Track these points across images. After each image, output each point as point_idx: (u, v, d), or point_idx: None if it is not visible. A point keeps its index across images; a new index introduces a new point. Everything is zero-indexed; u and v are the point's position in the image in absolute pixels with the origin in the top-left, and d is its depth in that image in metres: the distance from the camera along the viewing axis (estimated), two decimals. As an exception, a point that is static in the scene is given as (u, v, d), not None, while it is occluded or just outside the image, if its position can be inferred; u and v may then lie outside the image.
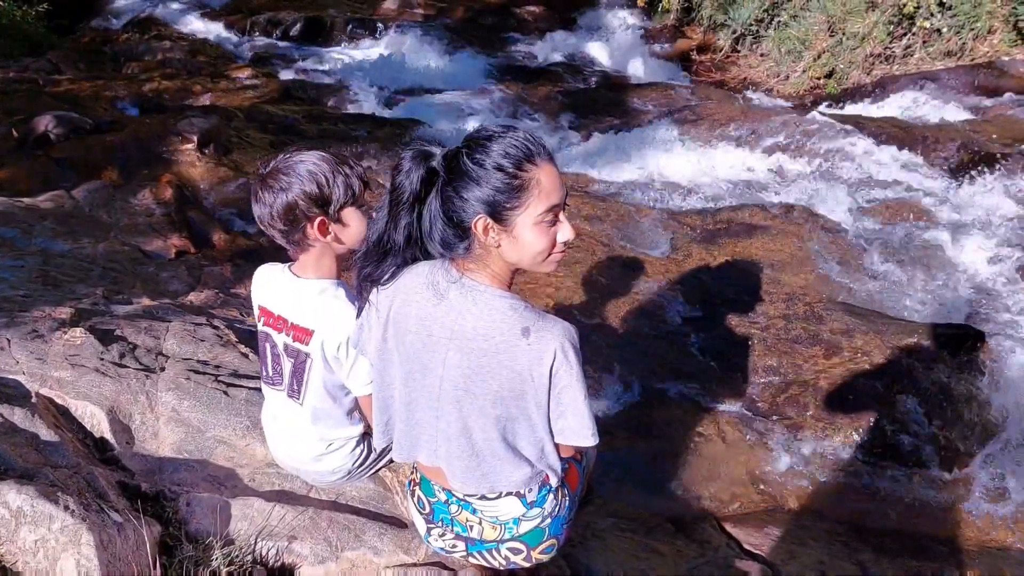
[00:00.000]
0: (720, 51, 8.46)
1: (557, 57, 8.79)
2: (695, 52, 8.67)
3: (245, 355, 2.65)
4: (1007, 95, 6.15)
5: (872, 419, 3.12)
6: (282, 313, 1.94)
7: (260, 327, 2.00)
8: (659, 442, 3.12)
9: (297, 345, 1.92)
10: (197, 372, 2.47)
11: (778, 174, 5.19)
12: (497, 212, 1.53)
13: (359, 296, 1.71)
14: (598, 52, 8.97)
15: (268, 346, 1.99)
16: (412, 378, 1.68)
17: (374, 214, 1.67)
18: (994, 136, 5.38)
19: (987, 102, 6.09)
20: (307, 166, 1.81)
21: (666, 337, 3.62)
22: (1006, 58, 6.83)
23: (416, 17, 9.55)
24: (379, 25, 9.08)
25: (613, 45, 9.06)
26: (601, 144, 5.97)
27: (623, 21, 9.65)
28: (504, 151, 1.52)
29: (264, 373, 2.04)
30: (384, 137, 5.72)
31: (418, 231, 1.61)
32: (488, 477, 1.70)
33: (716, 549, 2.52)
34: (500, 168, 1.52)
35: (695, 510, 2.85)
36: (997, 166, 4.92)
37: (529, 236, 1.56)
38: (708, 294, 3.88)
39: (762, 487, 2.95)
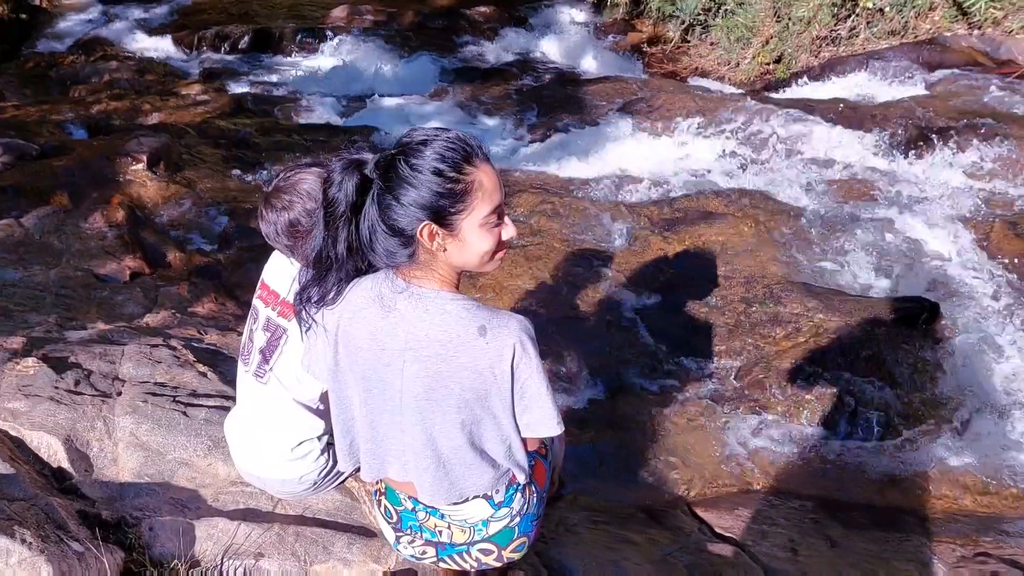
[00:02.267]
0: (670, 42, 8.52)
1: (510, 56, 8.79)
2: (646, 44, 8.72)
3: (203, 374, 2.61)
4: (950, 70, 6.27)
5: (835, 396, 3.17)
6: (278, 289, 1.98)
7: (254, 300, 2.05)
8: (628, 433, 3.13)
9: (279, 320, 1.96)
10: (154, 394, 2.43)
11: (732, 160, 5.24)
12: (442, 217, 1.52)
13: (296, 318, 1.69)
14: (550, 49, 8.99)
15: (251, 319, 2.04)
16: (371, 395, 1.66)
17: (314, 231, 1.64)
18: (940, 111, 5.48)
19: (932, 78, 6.21)
20: (307, 185, 1.89)
21: (629, 328, 3.64)
22: (948, 34, 6.97)
23: (366, 23, 9.49)
24: (329, 33, 9.02)
25: (565, 41, 9.09)
26: (558, 140, 5.99)
27: (573, 17, 9.68)
28: (440, 155, 1.51)
29: (240, 351, 2.08)
30: (339, 146, 5.69)
31: (358, 242, 1.58)
32: (456, 485, 1.69)
33: (688, 535, 2.54)
34: (439, 172, 1.50)
35: (667, 497, 2.87)
36: (944, 140, 5.02)
37: (476, 238, 1.56)
38: (668, 283, 3.91)
39: (731, 470, 2.98)
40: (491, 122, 6.59)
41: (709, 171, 5.15)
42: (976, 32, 6.97)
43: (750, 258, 4.02)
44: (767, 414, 3.16)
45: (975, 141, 4.98)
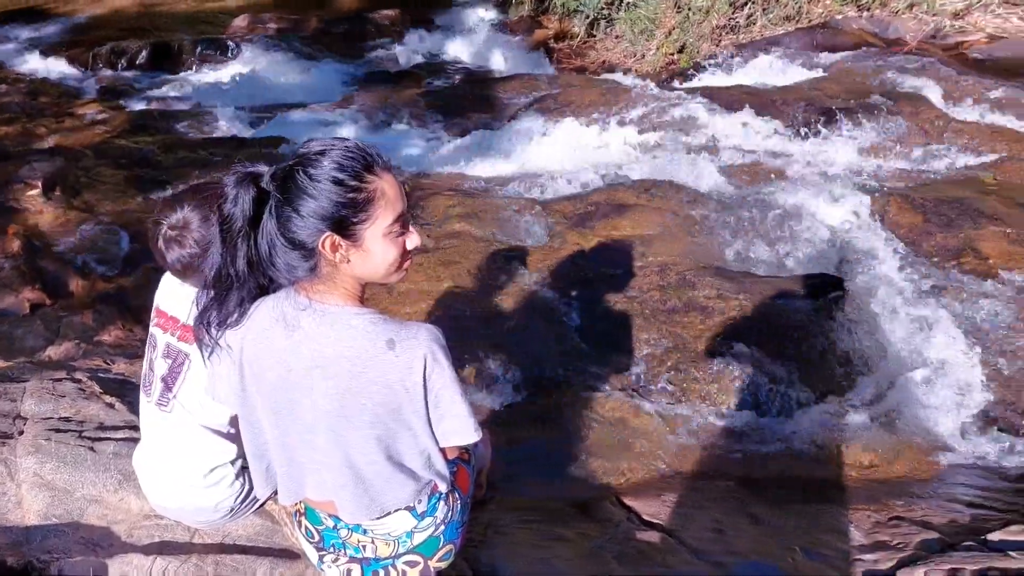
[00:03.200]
0: (576, 37, 8.61)
1: (418, 59, 8.75)
2: (553, 41, 8.79)
3: (111, 405, 2.52)
4: (844, 52, 6.52)
5: (750, 375, 3.25)
6: (176, 314, 1.92)
7: (151, 328, 1.99)
8: (554, 429, 3.15)
9: (180, 345, 1.91)
10: (59, 431, 2.33)
11: (641, 151, 5.34)
12: (344, 228, 1.50)
13: (197, 343, 1.64)
14: (459, 50, 8.98)
15: (150, 348, 1.98)
16: (281, 418, 1.62)
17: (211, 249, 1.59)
18: (835, 92, 5.69)
19: (826, 60, 6.44)
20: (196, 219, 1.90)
21: (549, 324, 3.66)
22: (839, 17, 7.25)
23: (269, 32, 9.30)
24: (231, 44, 8.80)
25: (472, 41, 9.09)
26: (470, 141, 5.98)
27: (480, 17, 9.69)
28: (339, 164, 1.48)
29: (142, 382, 2.02)
30: (247, 159, 5.54)
31: (257, 257, 1.54)
32: (377, 501, 1.67)
33: (617, 525, 2.57)
34: (339, 182, 1.48)
35: (595, 490, 2.90)
36: (839, 120, 5.21)
37: (380, 248, 1.54)
38: (586, 277, 3.95)
39: (656, 456, 3.03)
40: (402, 126, 6.54)
41: (620, 163, 5.23)
42: (865, 14, 7.27)
43: (663, 246, 4.09)
44: (687, 398, 3.22)
45: (869, 119, 5.19)
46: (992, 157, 4.94)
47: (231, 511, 2.02)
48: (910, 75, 5.96)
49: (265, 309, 1.58)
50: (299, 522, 1.84)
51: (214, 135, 6.53)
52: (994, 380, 3.29)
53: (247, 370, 1.61)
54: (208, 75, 8.31)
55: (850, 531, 2.50)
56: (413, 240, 1.59)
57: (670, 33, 7.64)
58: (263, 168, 1.52)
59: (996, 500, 2.66)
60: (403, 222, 1.56)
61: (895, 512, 2.58)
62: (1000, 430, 3.09)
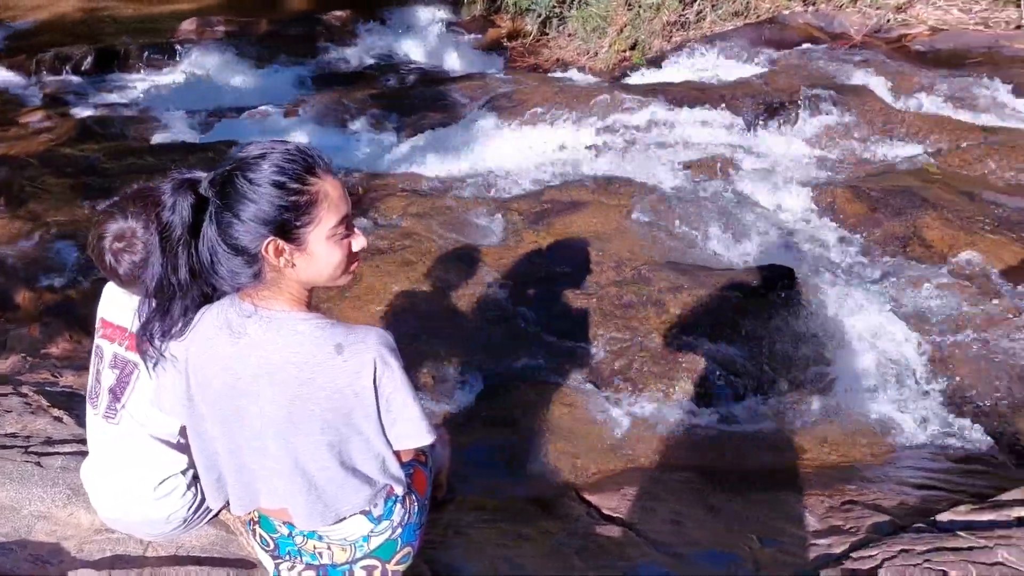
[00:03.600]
0: (530, 36, 8.63)
1: (371, 59, 8.68)
2: (506, 39, 8.80)
3: (59, 419, 2.46)
4: (791, 47, 6.63)
5: (705, 367, 3.29)
6: (123, 323, 1.88)
7: (95, 340, 1.95)
8: (514, 427, 3.16)
9: (128, 354, 1.87)
10: (4, 447, 2.28)
11: (595, 148, 5.36)
12: (287, 231, 1.48)
13: (141, 355, 1.61)
14: (412, 50, 8.93)
15: (95, 360, 1.94)
16: (230, 427, 1.59)
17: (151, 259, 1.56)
18: (783, 86, 5.78)
19: (774, 55, 6.54)
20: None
21: (507, 323, 3.66)
22: (786, 12, 7.37)
23: (217, 35, 9.15)
24: (178, 48, 8.64)
25: (426, 41, 9.05)
26: (425, 141, 5.96)
27: (433, 16, 9.65)
28: (279, 167, 1.47)
29: (88, 395, 1.98)
30: (197, 163, 5.45)
31: (199, 265, 1.51)
32: (331, 507, 1.65)
33: (577, 520, 2.58)
34: (280, 185, 1.46)
35: (556, 486, 2.91)
36: (788, 113, 5.29)
37: (325, 251, 1.52)
38: (542, 275, 3.96)
39: (615, 451, 3.05)
40: (355, 127, 6.49)
41: (575, 161, 5.26)
42: (811, 9, 7.40)
43: (619, 242, 4.12)
44: (644, 392, 3.25)
45: (817, 112, 5.29)
46: (935, 146, 5.07)
47: (184, 522, 1.99)
48: (855, 68, 6.08)
49: (210, 317, 1.56)
50: (254, 530, 1.82)
51: (163, 141, 6.41)
52: (941, 363, 3.38)
53: (193, 379, 1.58)
54: (156, 80, 8.16)
55: (805, 517, 2.55)
56: (359, 242, 1.58)
57: (622, 30, 7.70)
58: (201, 174, 1.49)
59: (944, 481, 2.73)
60: (347, 224, 1.55)
61: (848, 496, 2.64)
62: (947, 413, 3.17)
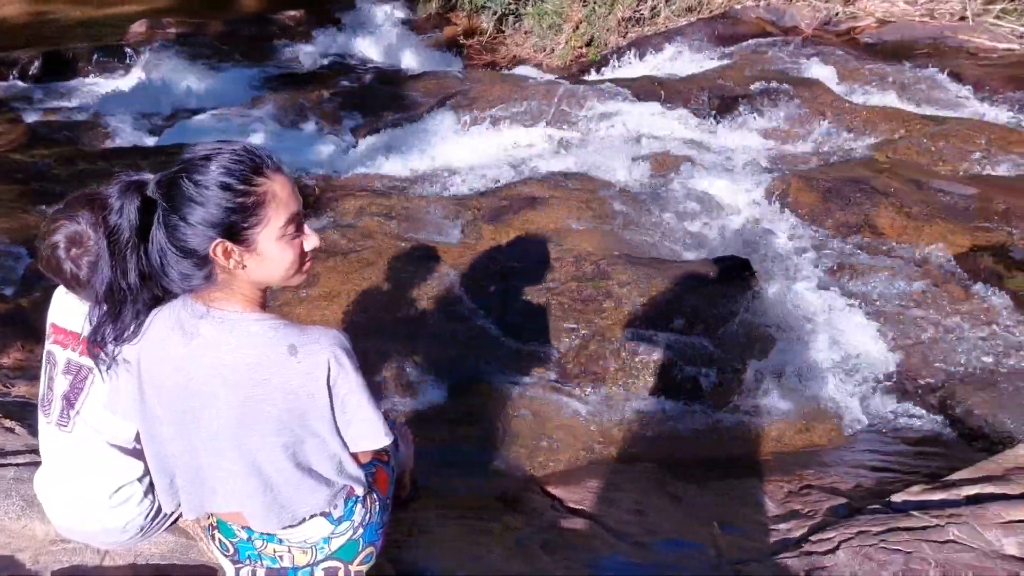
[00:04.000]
0: (486, 33, 8.64)
1: (326, 59, 8.62)
2: (463, 37, 8.80)
3: (11, 430, 2.41)
4: (743, 41, 6.72)
5: (665, 359, 3.33)
6: (74, 328, 1.85)
7: (47, 346, 1.92)
8: (477, 424, 3.16)
9: (82, 360, 1.84)
10: (-46, 461, 2.22)
11: (553, 144, 5.39)
12: (235, 233, 1.46)
13: (94, 359, 1.59)
14: (368, 49, 8.88)
15: (47, 367, 1.91)
16: (184, 428, 1.58)
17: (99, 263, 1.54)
18: (736, 79, 5.86)
19: (728, 49, 6.62)
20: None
21: (468, 321, 3.66)
22: (738, 7, 7.46)
23: (169, 37, 9.00)
24: (129, 51, 8.48)
25: (382, 40, 9.01)
26: (383, 141, 5.93)
27: (388, 15, 9.60)
28: (226, 168, 1.45)
29: (40, 403, 1.94)
30: (151, 167, 5.36)
31: (149, 268, 1.49)
32: (288, 508, 1.64)
33: (542, 515, 2.60)
34: (226, 187, 1.44)
35: (520, 481, 2.92)
36: (742, 107, 5.37)
37: (275, 251, 1.51)
38: (502, 271, 3.96)
39: (578, 444, 3.07)
40: (312, 127, 6.44)
41: (533, 157, 5.27)
42: (762, 3, 7.51)
43: (578, 238, 4.15)
44: (605, 386, 3.27)
45: (770, 105, 5.37)
46: (884, 137, 5.18)
47: (141, 530, 1.96)
48: (806, 61, 6.19)
49: (162, 318, 1.54)
50: (213, 535, 1.80)
51: (115, 145, 6.31)
52: (893, 349, 3.46)
53: (146, 383, 1.56)
54: (106, 83, 8.00)
55: (765, 502, 2.59)
56: (311, 241, 1.57)
57: (577, 27, 7.74)
58: (148, 176, 1.47)
59: (898, 463, 2.80)
60: (298, 223, 1.54)
61: (806, 481, 2.69)
62: (900, 396, 3.25)
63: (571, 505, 2.65)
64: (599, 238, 4.14)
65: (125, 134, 6.61)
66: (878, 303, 3.65)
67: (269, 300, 1.62)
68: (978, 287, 3.72)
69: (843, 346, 3.43)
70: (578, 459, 3.03)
